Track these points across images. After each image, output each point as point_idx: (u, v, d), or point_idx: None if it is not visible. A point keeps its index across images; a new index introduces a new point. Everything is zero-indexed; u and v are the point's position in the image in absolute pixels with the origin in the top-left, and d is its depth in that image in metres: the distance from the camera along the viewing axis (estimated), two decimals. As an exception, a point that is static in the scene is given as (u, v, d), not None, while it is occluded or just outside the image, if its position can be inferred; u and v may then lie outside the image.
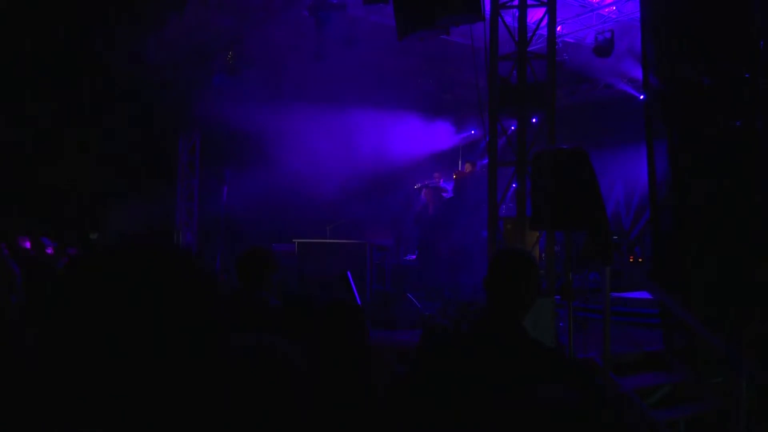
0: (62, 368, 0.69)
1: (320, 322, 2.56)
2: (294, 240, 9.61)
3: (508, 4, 6.33)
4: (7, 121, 9.54)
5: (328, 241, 9.51)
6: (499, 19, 6.25)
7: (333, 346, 2.48)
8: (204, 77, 10.14)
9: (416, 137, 12.27)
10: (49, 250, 7.80)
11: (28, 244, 8.05)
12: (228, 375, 0.75)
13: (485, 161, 9.89)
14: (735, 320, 5.25)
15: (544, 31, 6.29)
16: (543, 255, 6.46)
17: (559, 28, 8.94)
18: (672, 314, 5.83)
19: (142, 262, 0.74)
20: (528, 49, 6.15)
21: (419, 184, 11.13)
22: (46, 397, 0.71)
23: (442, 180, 11.14)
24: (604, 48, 9.56)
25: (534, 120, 8.44)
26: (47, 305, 0.73)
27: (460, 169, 11.63)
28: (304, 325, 2.63)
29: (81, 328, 0.69)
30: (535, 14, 6.65)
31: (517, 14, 6.41)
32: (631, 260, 9.63)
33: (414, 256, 11.01)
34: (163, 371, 0.70)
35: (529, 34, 6.22)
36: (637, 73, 9.53)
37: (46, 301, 0.74)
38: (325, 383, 2.36)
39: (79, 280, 0.73)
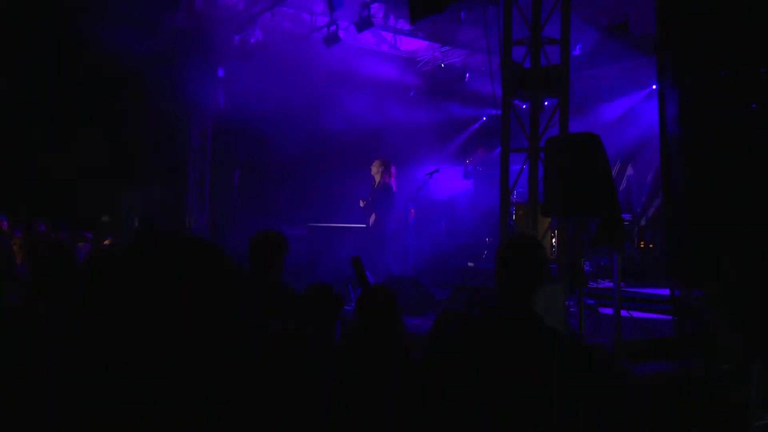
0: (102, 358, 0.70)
1: (357, 308, 2.60)
2: (307, 224, 9.68)
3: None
4: (17, 106, 9.58)
5: (340, 225, 9.54)
6: (513, 3, 6.18)
7: (370, 331, 2.52)
8: (215, 62, 10.13)
9: (430, 122, 12.18)
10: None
11: (42, 227, 8.11)
12: (264, 359, 0.76)
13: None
14: (749, 308, 5.23)
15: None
16: (554, 241, 6.44)
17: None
18: (684, 301, 5.80)
19: (176, 255, 0.74)
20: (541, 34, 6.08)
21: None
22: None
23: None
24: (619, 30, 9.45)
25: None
26: (80, 302, 0.73)
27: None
28: (327, 312, 2.67)
29: (122, 322, 0.69)
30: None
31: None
32: (642, 246, 9.56)
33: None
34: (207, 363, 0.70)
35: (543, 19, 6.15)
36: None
37: (78, 298, 0.73)
38: (360, 366, 2.40)
39: (113, 276, 0.73)
